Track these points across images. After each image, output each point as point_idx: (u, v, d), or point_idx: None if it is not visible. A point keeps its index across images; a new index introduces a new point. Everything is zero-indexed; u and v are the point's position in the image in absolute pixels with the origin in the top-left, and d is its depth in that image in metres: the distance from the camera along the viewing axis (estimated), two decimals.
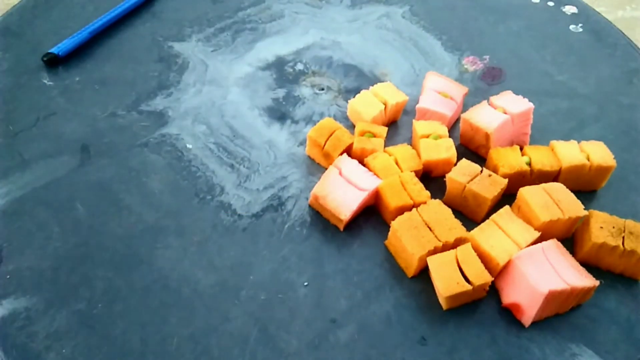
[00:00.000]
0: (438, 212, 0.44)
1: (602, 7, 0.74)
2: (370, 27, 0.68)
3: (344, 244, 0.46)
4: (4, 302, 0.41)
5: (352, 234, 0.46)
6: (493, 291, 0.43)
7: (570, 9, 0.72)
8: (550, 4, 0.72)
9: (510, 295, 0.42)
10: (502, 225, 0.44)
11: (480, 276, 0.41)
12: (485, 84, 0.61)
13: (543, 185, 0.46)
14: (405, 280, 0.44)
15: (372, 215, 0.48)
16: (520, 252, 0.42)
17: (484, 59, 0.64)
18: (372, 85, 0.55)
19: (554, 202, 0.45)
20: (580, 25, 0.69)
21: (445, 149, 0.49)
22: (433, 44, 0.66)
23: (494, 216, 0.45)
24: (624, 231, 0.44)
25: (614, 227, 0.44)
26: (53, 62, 0.59)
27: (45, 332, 0.39)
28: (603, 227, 0.44)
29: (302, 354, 0.39)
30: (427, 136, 0.50)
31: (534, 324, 0.42)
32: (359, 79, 0.61)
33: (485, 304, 0.43)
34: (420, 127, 0.51)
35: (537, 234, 0.44)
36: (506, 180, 0.47)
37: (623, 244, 0.43)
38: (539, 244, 0.43)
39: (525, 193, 0.45)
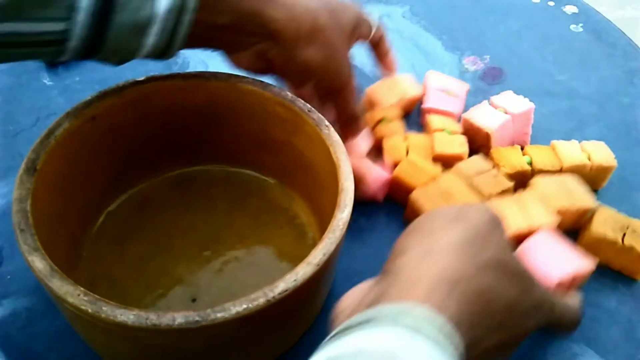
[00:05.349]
0: (453, 183, 0.46)
1: (603, 7, 0.74)
2: None
3: (344, 244, 0.46)
4: (5, 302, 0.41)
5: (352, 234, 0.46)
6: None
7: (570, 9, 0.72)
8: (551, 3, 0.72)
9: None
10: (521, 202, 0.45)
11: None
12: (486, 84, 0.61)
13: (557, 175, 0.47)
14: None
15: (373, 215, 0.48)
16: (524, 244, 0.43)
17: (484, 59, 0.64)
18: (372, 85, 0.55)
19: (566, 191, 0.46)
20: (580, 25, 0.69)
21: (459, 144, 0.50)
22: (433, 43, 0.66)
23: (515, 195, 0.46)
24: (627, 228, 0.44)
25: (617, 224, 0.44)
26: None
27: (46, 333, 0.39)
28: (606, 222, 0.44)
29: (302, 354, 0.39)
30: (442, 130, 0.51)
31: None
32: (359, 79, 0.60)
33: None
34: (434, 121, 0.52)
35: (553, 218, 0.44)
36: (511, 184, 0.47)
37: (623, 240, 0.44)
38: (538, 234, 0.43)
39: (539, 181, 0.46)
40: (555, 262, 0.41)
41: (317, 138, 0.39)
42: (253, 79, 0.41)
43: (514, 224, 0.43)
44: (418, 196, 0.45)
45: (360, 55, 0.63)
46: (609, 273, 0.45)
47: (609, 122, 0.57)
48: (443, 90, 0.55)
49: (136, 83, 0.40)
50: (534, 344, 0.41)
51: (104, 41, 0.31)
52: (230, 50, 0.39)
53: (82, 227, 0.41)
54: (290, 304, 0.31)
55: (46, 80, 0.58)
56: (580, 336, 0.42)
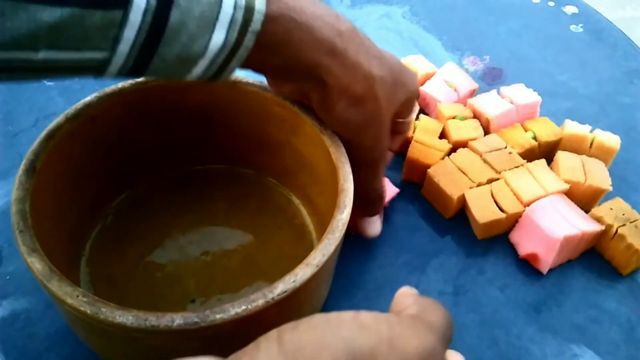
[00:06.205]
0: (467, 158, 0.48)
1: (602, 7, 0.74)
2: (371, 27, 0.67)
3: (345, 245, 0.46)
4: (4, 303, 0.41)
5: (353, 234, 0.46)
6: (492, 292, 0.43)
7: (570, 9, 0.72)
8: (551, 4, 0.72)
9: (527, 246, 0.44)
10: (533, 172, 0.47)
11: (513, 205, 0.45)
12: (486, 84, 0.61)
13: (583, 155, 0.49)
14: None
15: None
16: (532, 205, 0.44)
17: (484, 59, 0.64)
18: None
19: (583, 169, 0.47)
20: (580, 25, 0.69)
21: (474, 128, 0.51)
22: (433, 44, 0.66)
23: (528, 164, 0.47)
24: (630, 222, 0.44)
25: (623, 214, 0.45)
26: None
27: (45, 333, 0.39)
28: (613, 209, 0.45)
29: None
30: (454, 117, 0.52)
31: (534, 325, 0.42)
32: None
33: (486, 305, 0.43)
34: (445, 109, 0.53)
35: (566, 186, 0.46)
36: (524, 161, 0.48)
37: (619, 228, 0.44)
38: (547, 197, 0.45)
39: (561, 155, 0.48)
40: (563, 221, 0.43)
41: (316, 138, 0.39)
42: (253, 80, 0.41)
43: (530, 192, 0.45)
44: (435, 172, 0.47)
45: None
46: (609, 273, 0.45)
47: (609, 122, 0.57)
48: (446, 81, 0.56)
49: (136, 83, 0.39)
50: (533, 344, 0.41)
51: (147, 67, 0.30)
52: (274, 79, 0.39)
53: (81, 228, 0.41)
54: (289, 305, 0.31)
55: (46, 80, 0.57)
56: (581, 337, 0.42)
